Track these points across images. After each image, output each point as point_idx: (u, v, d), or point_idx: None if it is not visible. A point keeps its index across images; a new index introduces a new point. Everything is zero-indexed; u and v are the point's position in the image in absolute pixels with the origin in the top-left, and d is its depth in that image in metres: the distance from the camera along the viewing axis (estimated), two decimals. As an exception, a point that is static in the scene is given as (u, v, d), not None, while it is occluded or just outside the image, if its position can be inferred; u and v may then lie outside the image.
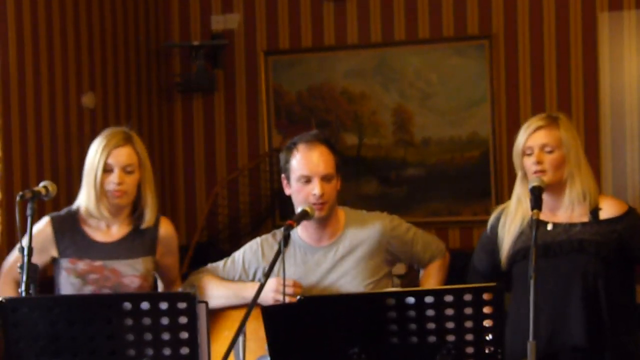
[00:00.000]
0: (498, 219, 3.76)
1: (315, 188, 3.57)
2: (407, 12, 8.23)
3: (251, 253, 3.79)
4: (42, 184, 3.68)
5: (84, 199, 3.73)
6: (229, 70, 8.61)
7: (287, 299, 3.45)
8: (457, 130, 8.21)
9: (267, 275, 3.27)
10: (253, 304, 3.08)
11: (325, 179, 3.59)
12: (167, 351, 2.83)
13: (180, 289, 3.93)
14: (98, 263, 3.73)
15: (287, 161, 3.66)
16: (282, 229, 3.43)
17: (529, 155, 3.62)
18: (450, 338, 2.80)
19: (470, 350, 2.81)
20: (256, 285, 3.34)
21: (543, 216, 3.62)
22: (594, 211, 3.63)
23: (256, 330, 3.39)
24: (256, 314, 3.01)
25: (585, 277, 3.55)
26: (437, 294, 2.79)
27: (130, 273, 3.75)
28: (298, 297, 2.88)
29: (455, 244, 8.05)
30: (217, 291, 3.73)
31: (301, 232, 3.72)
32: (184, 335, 2.82)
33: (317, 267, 3.68)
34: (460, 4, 8.10)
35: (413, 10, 8.20)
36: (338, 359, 2.83)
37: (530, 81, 8.02)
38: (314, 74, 8.47)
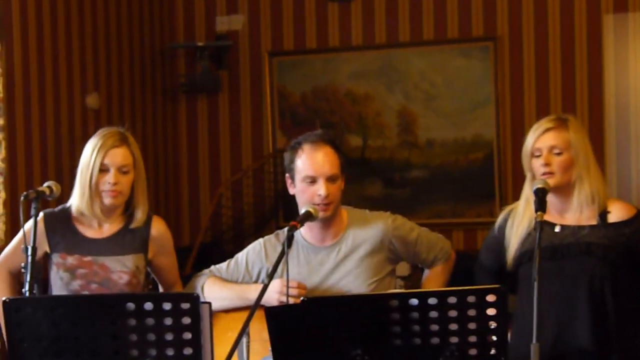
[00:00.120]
0: (506, 220, 3.74)
1: (321, 189, 3.56)
2: (411, 13, 8.23)
3: (254, 254, 3.78)
4: (46, 184, 3.69)
5: (77, 198, 3.75)
6: (234, 71, 8.61)
7: (292, 300, 3.45)
8: (461, 132, 8.21)
9: (270, 276, 3.26)
10: (256, 304, 3.07)
11: (330, 179, 3.59)
12: (170, 351, 2.83)
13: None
14: (88, 258, 3.75)
15: (292, 161, 3.65)
16: (285, 229, 3.42)
17: (538, 157, 3.60)
18: (454, 340, 2.79)
19: (473, 352, 2.80)
20: (260, 287, 3.33)
21: (551, 218, 3.61)
22: (603, 214, 3.61)
23: (260, 331, 3.39)
24: (260, 315, 3.01)
25: (592, 280, 3.53)
26: (441, 295, 2.79)
27: (118, 269, 3.76)
28: (301, 298, 2.88)
29: (459, 245, 8.04)
30: (221, 293, 3.72)
31: (304, 232, 3.71)
32: (187, 335, 2.82)
33: (320, 267, 3.68)
34: (465, 5, 8.10)
35: (418, 12, 8.21)
36: (341, 360, 2.83)
37: (534, 83, 8.01)
38: (319, 75, 8.47)
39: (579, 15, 7.88)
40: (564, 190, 3.60)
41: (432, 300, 2.77)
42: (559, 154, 3.58)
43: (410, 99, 8.31)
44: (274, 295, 3.54)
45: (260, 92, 8.57)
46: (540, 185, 3.44)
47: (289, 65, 8.55)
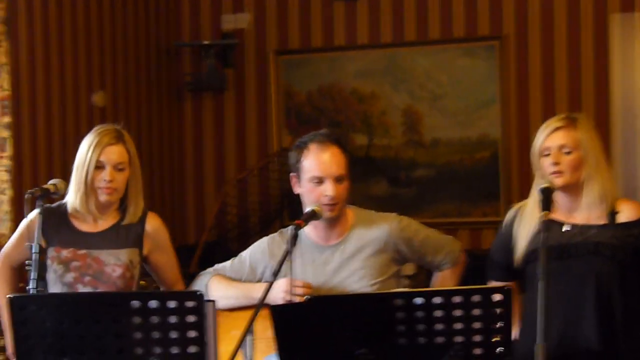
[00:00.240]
0: (514, 218, 3.73)
1: (329, 190, 3.56)
2: (417, 12, 8.22)
3: (259, 252, 3.78)
4: (51, 181, 3.71)
5: (72, 195, 3.77)
6: (239, 69, 8.61)
7: (297, 299, 3.45)
8: (466, 131, 8.20)
9: (275, 274, 3.26)
10: (261, 303, 3.08)
11: (337, 180, 3.58)
12: (175, 350, 2.83)
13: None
14: (82, 251, 3.78)
15: (298, 161, 3.64)
16: (289, 228, 3.42)
17: (547, 156, 3.59)
18: (459, 339, 2.79)
19: (478, 351, 2.80)
20: (265, 286, 3.33)
21: (560, 217, 3.61)
22: (612, 214, 3.59)
23: (264, 329, 3.38)
24: (264, 314, 3.01)
25: (599, 280, 3.52)
26: (446, 294, 2.79)
27: (112, 262, 3.78)
28: (306, 296, 2.87)
29: (464, 245, 7.99)
30: (226, 292, 3.72)
31: (309, 231, 3.71)
32: (192, 333, 2.82)
33: (324, 265, 3.67)
34: (470, 4, 8.09)
35: (424, 11, 8.20)
36: (346, 359, 2.82)
37: (540, 82, 8.00)
38: (324, 74, 8.47)
39: (585, 14, 7.87)
40: (573, 189, 3.59)
41: (437, 300, 2.78)
42: (568, 153, 3.56)
43: (416, 98, 8.30)
44: (279, 294, 3.53)
45: (265, 91, 8.57)
46: (546, 185, 3.43)
47: (294, 64, 8.55)
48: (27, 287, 3.43)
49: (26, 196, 3.55)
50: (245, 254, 3.82)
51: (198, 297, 2.82)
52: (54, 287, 3.73)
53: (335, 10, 8.41)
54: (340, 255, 3.67)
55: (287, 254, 3.28)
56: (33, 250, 3.44)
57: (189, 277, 4.07)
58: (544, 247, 3.14)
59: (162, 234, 3.95)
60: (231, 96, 8.66)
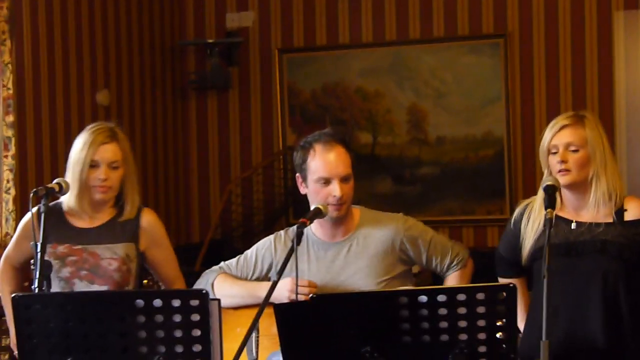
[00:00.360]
0: (522, 215, 3.72)
1: (335, 190, 3.56)
2: (422, 10, 8.22)
3: (264, 250, 3.78)
4: (55, 180, 3.71)
5: (67, 193, 3.77)
6: (244, 68, 8.61)
7: (302, 298, 3.44)
8: (471, 129, 8.20)
9: (279, 273, 3.26)
10: (266, 301, 3.08)
11: (344, 180, 3.59)
12: (179, 348, 2.83)
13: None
14: (78, 247, 3.80)
15: (304, 161, 3.64)
16: (295, 226, 3.42)
17: (554, 153, 3.59)
18: (463, 337, 2.79)
19: (482, 349, 2.80)
20: (269, 285, 3.33)
21: (567, 215, 3.60)
22: (619, 212, 3.58)
23: (269, 327, 3.39)
24: (269, 311, 3.01)
25: (605, 279, 3.51)
26: (450, 292, 2.78)
27: (108, 256, 3.80)
28: (310, 295, 2.87)
29: (469, 243, 8.03)
30: (231, 290, 3.73)
31: (315, 229, 3.71)
32: (197, 332, 2.82)
33: (330, 263, 3.68)
34: (475, 2, 8.08)
35: (428, 9, 8.19)
36: (350, 357, 2.82)
37: (545, 80, 8.00)
38: (329, 72, 8.47)
39: (589, 11, 7.86)
40: (581, 187, 3.58)
41: (441, 297, 2.77)
42: (575, 151, 3.56)
43: (421, 96, 8.30)
44: (284, 293, 3.53)
45: (270, 89, 8.57)
46: (549, 182, 3.42)
47: (299, 62, 8.55)
48: (32, 287, 3.44)
49: (31, 195, 3.55)
50: (251, 251, 3.82)
51: (202, 295, 2.81)
52: (52, 282, 3.74)
53: (339, 8, 8.41)
54: (346, 253, 3.68)
55: (292, 252, 3.27)
56: (37, 250, 3.44)
57: (195, 275, 4.07)
58: (548, 244, 3.13)
59: (158, 229, 3.95)
60: (236, 94, 8.66)
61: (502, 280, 3.75)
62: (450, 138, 8.26)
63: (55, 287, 3.72)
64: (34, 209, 3.75)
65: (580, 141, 3.56)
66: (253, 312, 3.10)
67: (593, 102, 7.82)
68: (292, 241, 3.33)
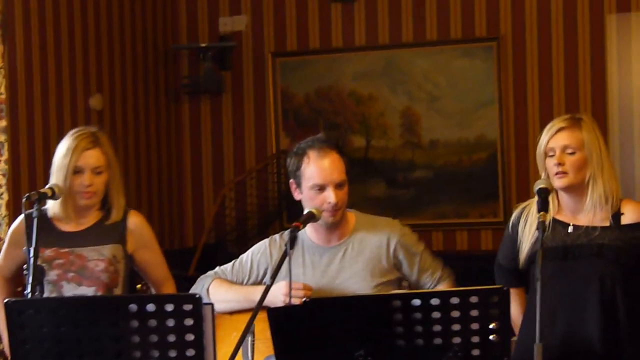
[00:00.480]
0: (519, 218, 3.72)
1: (331, 197, 3.56)
2: (414, 14, 8.22)
3: (259, 254, 3.78)
4: (48, 185, 3.71)
5: (50, 201, 3.76)
6: (237, 72, 8.61)
7: (296, 302, 3.44)
8: (464, 132, 8.20)
9: (273, 276, 3.26)
10: (259, 305, 3.07)
11: (338, 186, 3.59)
12: (172, 353, 2.83)
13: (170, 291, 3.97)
14: (65, 250, 3.80)
15: (298, 168, 3.64)
16: (289, 230, 3.42)
17: (551, 156, 3.58)
18: (456, 340, 2.79)
19: (476, 352, 2.80)
20: (264, 288, 3.33)
21: (564, 218, 3.60)
22: (616, 215, 3.58)
23: (264, 330, 3.38)
24: (264, 315, 3.01)
25: (602, 283, 3.51)
26: (443, 296, 2.79)
27: (95, 257, 3.80)
28: (304, 298, 2.87)
29: (462, 246, 8.04)
30: (226, 295, 3.72)
31: (310, 234, 3.72)
32: (190, 337, 2.81)
33: (325, 267, 3.68)
34: (468, 5, 8.09)
35: (421, 12, 8.20)
36: (344, 361, 2.82)
37: (538, 83, 8.01)
38: (322, 75, 8.47)
39: (582, 15, 7.87)
40: (578, 190, 3.58)
41: (434, 301, 2.78)
42: (572, 153, 3.56)
43: (414, 100, 8.30)
44: (279, 297, 3.53)
45: (263, 93, 8.57)
46: (542, 186, 3.43)
47: (292, 66, 8.55)
48: (25, 292, 3.43)
49: (23, 200, 3.55)
50: (246, 256, 3.82)
51: (195, 300, 2.81)
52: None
53: (332, 12, 8.41)
54: (341, 257, 3.68)
55: (285, 256, 3.28)
56: (29, 255, 3.44)
57: (188, 280, 4.07)
58: (541, 248, 3.14)
59: (145, 231, 3.95)
60: (229, 98, 8.66)
61: None
62: (443, 141, 8.27)
63: (44, 291, 3.72)
64: (21, 216, 3.76)
65: (577, 144, 3.56)
66: (249, 317, 3.10)
67: (586, 105, 7.83)
68: (286, 245, 3.34)
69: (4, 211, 6.29)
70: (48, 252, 3.78)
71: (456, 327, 2.78)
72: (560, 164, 3.55)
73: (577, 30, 7.90)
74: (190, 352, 2.82)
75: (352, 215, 3.75)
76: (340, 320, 2.83)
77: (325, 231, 3.68)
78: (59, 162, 3.79)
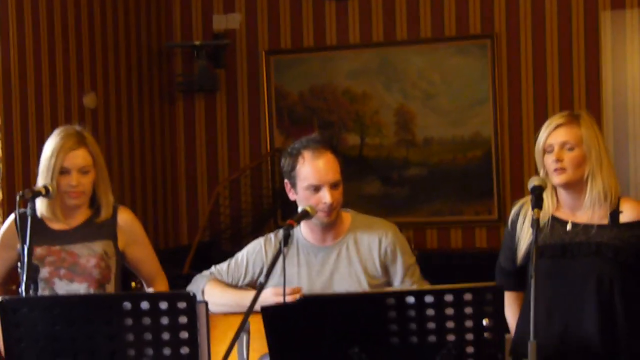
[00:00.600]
0: (518, 214, 3.71)
1: (326, 197, 3.56)
2: (409, 11, 8.22)
3: (254, 253, 3.78)
4: (42, 183, 3.71)
5: (38, 200, 3.76)
6: (231, 70, 8.61)
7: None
8: (459, 130, 8.20)
9: (267, 274, 3.26)
10: (250, 309, 3.05)
11: (333, 186, 3.59)
12: (167, 351, 2.83)
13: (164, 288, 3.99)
14: (56, 247, 3.81)
15: (293, 168, 3.63)
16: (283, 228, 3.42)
17: (550, 152, 3.58)
18: (451, 338, 2.79)
19: (470, 349, 2.80)
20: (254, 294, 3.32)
21: (563, 215, 3.60)
22: (614, 213, 3.57)
23: (260, 329, 3.38)
24: (260, 314, 3.00)
25: (600, 281, 3.51)
26: (437, 293, 2.79)
27: (86, 253, 3.81)
28: (298, 296, 2.87)
29: (457, 243, 8.04)
30: (220, 299, 3.72)
31: (305, 233, 3.72)
32: (184, 335, 2.82)
33: (320, 267, 3.68)
34: (462, 3, 8.09)
35: (415, 10, 8.20)
36: (338, 359, 2.82)
37: (532, 80, 8.01)
38: (316, 73, 8.46)
39: (576, 12, 7.88)
40: (577, 186, 3.57)
41: (428, 298, 2.78)
42: (570, 149, 3.55)
43: (408, 97, 8.30)
44: (270, 299, 3.52)
45: (257, 91, 8.56)
46: (536, 183, 3.42)
47: (286, 64, 8.54)
48: (19, 290, 3.43)
49: (17, 198, 3.54)
50: (241, 255, 3.82)
51: (189, 298, 2.81)
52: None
53: (326, 10, 8.41)
54: (336, 257, 3.68)
55: (279, 254, 3.27)
56: (23, 253, 3.43)
57: (183, 278, 4.08)
58: (535, 246, 3.14)
59: (135, 226, 3.96)
60: (223, 97, 8.65)
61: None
62: (438, 139, 8.27)
63: (38, 289, 3.71)
64: (10, 217, 3.76)
65: (575, 140, 3.56)
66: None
67: (580, 103, 7.84)
68: (280, 243, 3.33)
69: (-2, 209, 6.29)
70: (39, 250, 3.77)
71: (450, 324, 2.78)
72: (558, 160, 3.54)
73: (571, 28, 7.90)
74: (185, 350, 2.82)
75: (348, 216, 3.75)
76: (334, 318, 2.83)
77: (321, 231, 3.68)
78: (45, 162, 3.79)
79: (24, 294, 3.33)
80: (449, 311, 2.77)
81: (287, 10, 8.48)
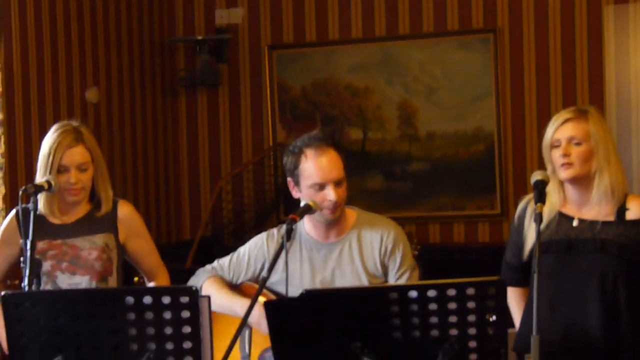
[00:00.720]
0: (525, 209, 3.69)
1: (331, 194, 3.55)
2: (411, 5, 8.22)
3: (256, 248, 3.78)
4: (45, 178, 3.70)
5: (39, 197, 3.75)
6: (233, 64, 8.61)
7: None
8: (462, 125, 8.20)
9: (269, 270, 3.26)
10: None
11: (338, 184, 3.58)
12: (169, 345, 2.83)
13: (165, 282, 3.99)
14: (57, 241, 3.81)
15: (296, 166, 3.62)
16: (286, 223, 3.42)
17: (557, 147, 3.56)
18: (453, 332, 2.79)
19: (473, 344, 2.80)
20: (246, 304, 3.31)
21: (570, 211, 3.58)
22: (621, 210, 3.56)
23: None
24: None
25: (604, 278, 3.49)
26: (440, 287, 2.78)
27: (88, 246, 3.81)
28: (300, 291, 2.87)
29: (460, 238, 8.04)
30: (214, 299, 3.68)
31: (309, 229, 3.71)
32: (187, 329, 2.81)
33: (322, 264, 3.67)
34: (464, -3, 8.09)
35: (417, 4, 8.19)
36: (340, 353, 2.82)
37: (535, 75, 8.00)
38: (318, 68, 8.46)
39: (579, 6, 7.87)
40: (584, 182, 3.56)
41: (431, 293, 2.77)
42: (578, 144, 3.53)
43: (411, 92, 8.30)
44: (263, 324, 3.43)
45: (260, 86, 8.56)
46: (539, 177, 3.40)
47: (288, 59, 8.54)
48: (22, 284, 3.43)
49: (20, 193, 3.55)
50: (244, 250, 3.81)
51: (192, 292, 2.81)
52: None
53: (329, 4, 8.40)
54: (339, 254, 3.67)
55: (282, 249, 3.27)
56: (26, 248, 3.43)
57: (185, 272, 4.07)
58: (538, 241, 3.13)
59: (135, 220, 3.96)
60: (225, 91, 8.65)
61: (510, 290, 3.66)
62: (440, 134, 8.26)
63: (40, 283, 3.71)
64: (12, 213, 3.76)
65: (583, 135, 3.54)
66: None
67: (583, 97, 7.83)
68: (282, 238, 3.33)
69: (1, 204, 6.29)
70: (41, 245, 3.77)
71: (453, 319, 2.78)
72: (566, 155, 3.52)
73: (574, 22, 7.89)
74: (187, 345, 2.82)
75: (353, 212, 3.74)
76: (337, 313, 2.83)
77: (324, 227, 3.68)
78: (43, 160, 3.79)
79: (27, 288, 3.33)
80: (452, 305, 2.77)
81: (290, 4, 8.47)
